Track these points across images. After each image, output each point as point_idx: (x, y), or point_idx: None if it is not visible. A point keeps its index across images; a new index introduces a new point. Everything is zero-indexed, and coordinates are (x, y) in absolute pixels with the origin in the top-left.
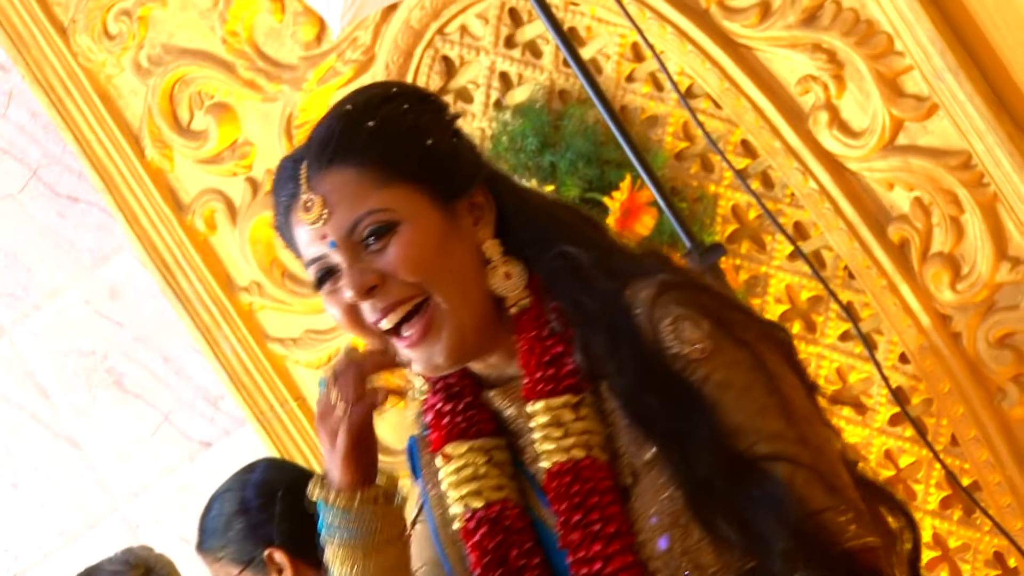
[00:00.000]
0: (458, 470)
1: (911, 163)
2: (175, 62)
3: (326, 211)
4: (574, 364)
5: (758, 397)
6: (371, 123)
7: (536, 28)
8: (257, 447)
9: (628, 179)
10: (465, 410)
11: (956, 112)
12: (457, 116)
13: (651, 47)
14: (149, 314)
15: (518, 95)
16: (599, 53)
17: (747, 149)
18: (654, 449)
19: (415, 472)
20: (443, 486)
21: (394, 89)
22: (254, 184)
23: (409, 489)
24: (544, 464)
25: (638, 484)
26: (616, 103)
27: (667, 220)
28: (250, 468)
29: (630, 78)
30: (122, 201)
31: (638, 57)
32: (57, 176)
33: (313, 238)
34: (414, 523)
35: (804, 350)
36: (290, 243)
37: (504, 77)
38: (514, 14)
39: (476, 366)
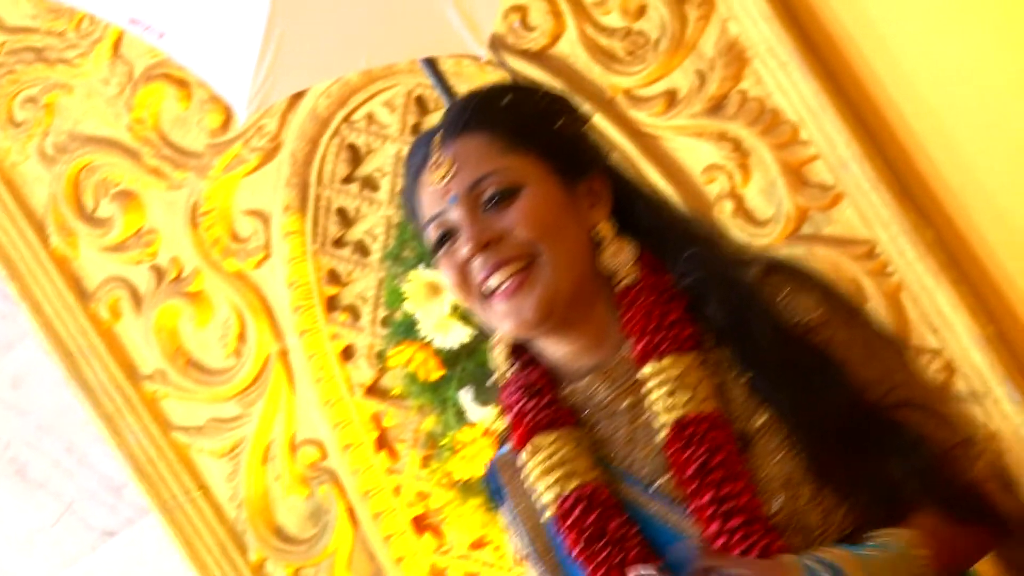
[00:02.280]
0: (548, 457)
1: (816, 252)
2: (80, 149)
3: (453, 169)
4: (693, 328)
5: (880, 351)
6: (506, 100)
7: None
8: (160, 537)
9: None
10: (547, 405)
11: (861, 201)
12: (589, 116)
13: None
14: (52, 402)
15: None
16: None
17: None
18: (767, 415)
19: (498, 497)
20: (531, 479)
21: (532, 85)
22: (159, 272)
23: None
24: (669, 417)
25: (748, 449)
26: None
27: None
28: None
29: None
30: (25, 289)
31: None
32: None
33: (436, 195)
34: (524, 558)
35: None
36: (413, 211)
37: None
38: (420, 102)
39: (562, 354)
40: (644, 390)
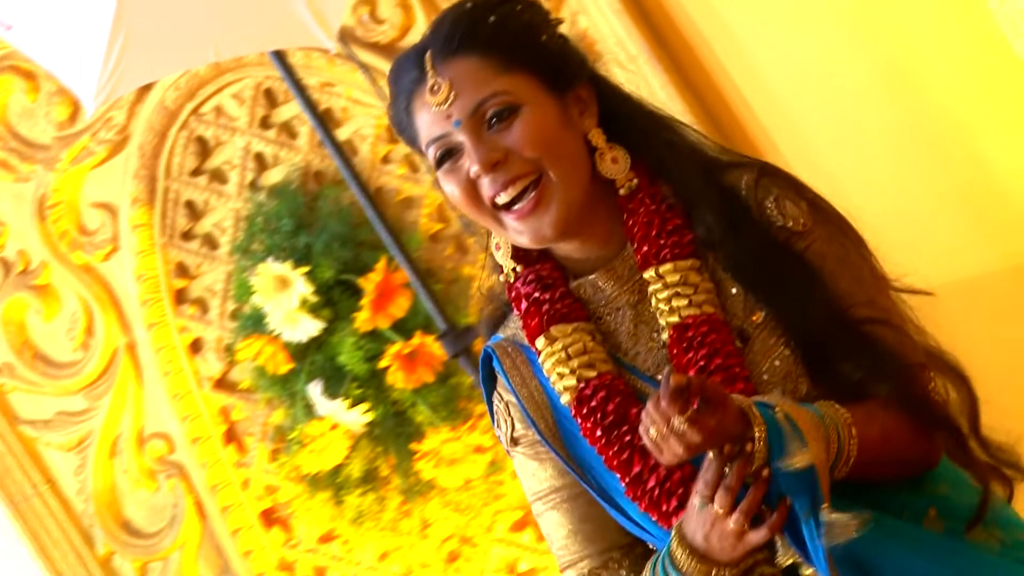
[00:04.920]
0: (566, 347)
1: None
2: None
3: (452, 93)
4: (692, 234)
5: (851, 268)
6: (492, 17)
7: (291, 109)
8: (7, 530)
9: (383, 261)
10: (562, 298)
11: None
12: (561, 21)
13: None
14: None
15: (273, 176)
16: (355, 134)
17: None
18: (763, 312)
19: (488, 383)
20: (548, 366)
21: None
22: (6, 264)
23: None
24: (672, 319)
25: (748, 346)
26: (372, 184)
27: (422, 302)
28: None
29: (386, 159)
30: None
31: (393, 138)
32: None
33: (437, 118)
34: (515, 441)
35: None
36: (406, 129)
37: (259, 158)
38: (270, 95)
39: (571, 250)
40: (648, 292)
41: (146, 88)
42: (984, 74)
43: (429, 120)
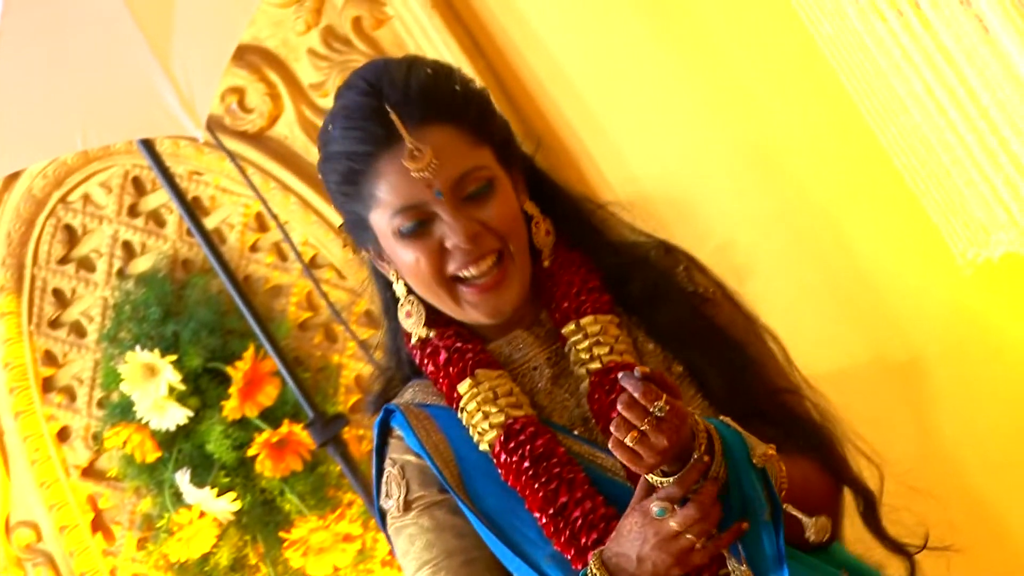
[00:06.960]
0: (492, 388)
1: None
2: None
3: (435, 162)
4: (610, 296)
5: (755, 338)
6: (457, 87)
7: (160, 197)
8: None
9: (251, 349)
10: (483, 351)
11: None
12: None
13: (275, 217)
14: None
15: (141, 264)
16: (223, 223)
17: (371, 319)
18: (681, 367)
19: (380, 450)
20: (472, 407)
21: (453, 67)
22: None
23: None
24: (593, 365)
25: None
26: (240, 273)
27: (290, 390)
28: None
29: (254, 248)
30: None
31: (262, 227)
32: None
33: (415, 186)
34: (408, 506)
35: None
36: (359, 184)
37: (127, 246)
38: (138, 183)
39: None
40: (566, 347)
41: (13, 176)
42: (850, 164)
43: (403, 185)
